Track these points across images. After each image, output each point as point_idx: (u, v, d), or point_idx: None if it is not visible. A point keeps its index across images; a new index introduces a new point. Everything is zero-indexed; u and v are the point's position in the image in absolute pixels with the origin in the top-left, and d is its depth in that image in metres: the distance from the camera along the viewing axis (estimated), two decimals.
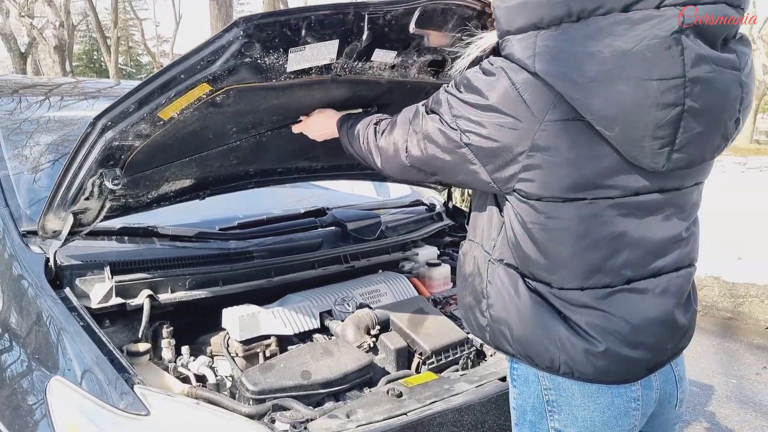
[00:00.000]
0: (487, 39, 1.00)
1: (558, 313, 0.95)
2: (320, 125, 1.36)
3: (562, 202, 0.90)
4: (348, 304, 1.61)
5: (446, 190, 2.20)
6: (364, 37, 1.12)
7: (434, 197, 2.36)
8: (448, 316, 1.65)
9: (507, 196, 0.97)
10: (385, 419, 1.15)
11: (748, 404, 2.90)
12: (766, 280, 4.11)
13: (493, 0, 0.96)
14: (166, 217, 1.74)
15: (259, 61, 1.06)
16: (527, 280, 0.97)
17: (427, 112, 1.03)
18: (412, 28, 1.16)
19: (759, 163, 12.72)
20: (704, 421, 2.75)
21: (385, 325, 1.54)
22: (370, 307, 1.58)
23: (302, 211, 1.88)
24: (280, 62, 1.09)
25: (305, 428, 1.11)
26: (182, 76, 1.05)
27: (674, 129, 0.85)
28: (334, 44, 1.11)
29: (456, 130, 0.96)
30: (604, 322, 0.93)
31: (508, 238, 0.98)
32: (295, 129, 1.41)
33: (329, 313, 1.58)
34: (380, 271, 1.86)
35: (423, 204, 2.23)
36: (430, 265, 1.91)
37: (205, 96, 1.10)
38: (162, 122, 1.13)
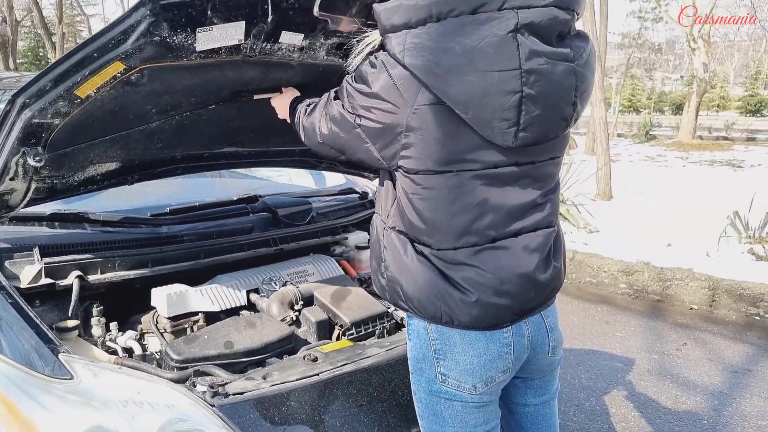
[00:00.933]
0: (374, 36, 1.13)
1: (439, 270, 1.09)
2: (282, 102, 1.44)
3: (434, 175, 1.04)
4: (275, 283, 1.71)
5: None
6: (270, 19, 1.20)
7: (367, 185, 2.48)
8: (371, 293, 1.77)
9: (395, 172, 1.11)
10: (298, 379, 1.26)
11: (666, 376, 3.13)
12: (690, 264, 4.39)
13: (374, 4, 1.09)
14: (103, 205, 1.80)
15: (167, 40, 1.12)
16: (414, 243, 1.11)
17: (334, 98, 1.17)
18: (315, 11, 1.24)
19: (699, 158, 13.35)
20: (623, 391, 2.96)
21: (309, 301, 1.65)
22: (296, 286, 1.68)
23: (235, 198, 1.96)
24: (189, 42, 1.15)
25: (223, 389, 1.21)
26: (95, 55, 1.11)
27: (517, 112, 1.00)
28: (241, 25, 1.19)
29: (352, 113, 1.10)
30: (476, 276, 1.07)
31: (398, 208, 1.12)
32: (272, 102, 1.49)
33: (256, 291, 1.68)
34: (311, 254, 1.97)
35: (355, 192, 2.34)
36: (360, 248, 2.03)
37: (119, 75, 1.16)
38: (80, 100, 1.18)
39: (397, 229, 1.13)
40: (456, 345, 1.11)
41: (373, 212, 1.25)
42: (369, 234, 1.26)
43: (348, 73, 1.14)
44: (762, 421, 2.67)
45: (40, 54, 18.38)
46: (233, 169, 2.81)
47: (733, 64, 40.94)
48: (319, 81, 1.44)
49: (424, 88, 1.00)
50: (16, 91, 1.17)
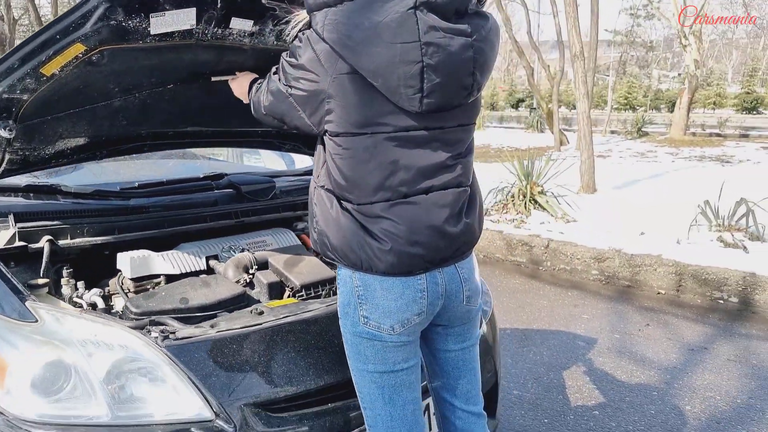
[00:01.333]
0: (303, 15, 1.27)
1: (360, 223, 1.23)
2: (238, 84, 1.57)
3: (352, 137, 1.19)
4: (234, 250, 1.86)
5: None
6: (219, 5, 1.35)
7: None
8: (324, 262, 1.91)
9: (324, 136, 1.26)
10: (242, 327, 1.41)
11: (625, 354, 3.28)
12: (659, 251, 4.54)
13: None
14: (79, 180, 1.96)
15: (123, 24, 1.26)
16: (339, 200, 1.26)
17: (273, 74, 1.34)
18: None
19: (689, 153, 13.51)
20: (582, 367, 3.11)
21: (264, 267, 1.80)
22: (252, 252, 1.83)
23: (201, 176, 2.11)
24: (144, 26, 1.29)
25: (173, 335, 1.36)
26: (57, 36, 1.25)
27: (420, 80, 1.14)
28: (192, 11, 1.33)
29: (285, 85, 1.26)
30: (390, 227, 1.22)
31: (326, 169, 1.27)
32: (230, 83, 1.61)
33: (216, 258, 1.83)
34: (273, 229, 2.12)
35: None
36: None
37: (81, 55, 1.30)
38: (45, 78, 1.33)
39: (325, 187, 1.28)
40: (376, 290, 1.26)
41: None
42: None
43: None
44: (709, 392, 2.82)
45: None
46: (212, 157, 2.97)
47: (732, 62, 41.05)
48: (271, 65, 1.58)
49: (341, 59, 1.15)
50: None
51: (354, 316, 1.29)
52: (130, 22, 1.28)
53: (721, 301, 4.09)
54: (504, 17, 13.88)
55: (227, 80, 1.64)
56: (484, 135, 18.95)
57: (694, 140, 16.28)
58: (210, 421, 1.26)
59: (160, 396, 1.28)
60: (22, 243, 1.58)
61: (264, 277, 1.72)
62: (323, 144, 1.30)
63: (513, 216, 5.68)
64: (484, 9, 1.26)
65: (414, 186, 1.23)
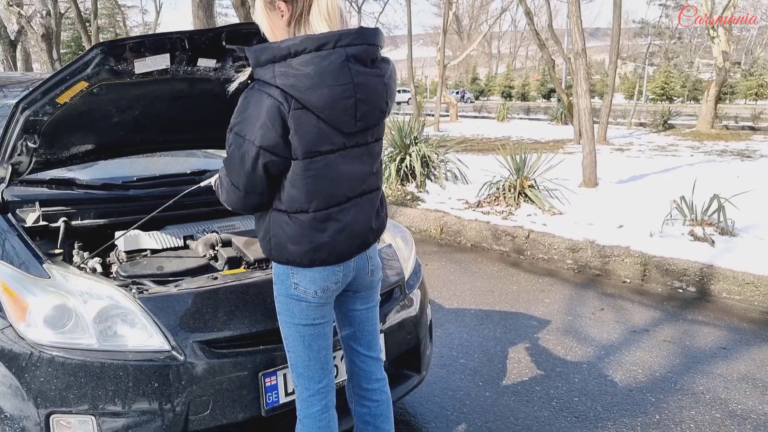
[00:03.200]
0: (247, 71, 1.71)
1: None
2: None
3: (310, 159, 1.58)
4: (206, 231, 2.37)
5: None
6: (187, 51, 1.84)
7: None
8: None
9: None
10: (197, 287, 1.92)
11: (570, 333, 3.68)
12: (628, 242, 4.89)
13: (246, 47, 1.67)
14: (92, 175, 2.50)
15: (114, 67, 1.76)
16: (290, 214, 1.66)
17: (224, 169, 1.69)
18: (224, 44, 1.88)
19: (711, 148, 13.47)
20: (527, 342, 3.53)
21: (227, 244, 2.30)
22: (219, 233, 2.34)
23: (188, 171, 2.63)
24: (130, 68, 1.79)
25: (147, 291, 1.87)
26: (68, 77, 1.77)
27: (354, 109, 1.57)
28: (166, 56, 1.83)
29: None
30: (339, 227, 1.64)
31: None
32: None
33: (191, 237, 2.35)
34: None
35: None
36: None
37: (85, 89, 1.82)
38: (60, 105, 1.85)
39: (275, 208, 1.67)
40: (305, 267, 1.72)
41: None
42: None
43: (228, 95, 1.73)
44: (634, 366, 3.22)
45: (83, 45, 19.55)
46: (207, 153, 3.49)
47: None
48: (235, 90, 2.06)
49: (293, 99, 1.52)
50: (19, 98, 1.85)
51: (287, 283, 1.73)
52: (119, 66, 1.78)
53: (681, 291, 4.43)
54: (525, 9, 14.04)
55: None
56: (506, 127, 19.11)
57: (721, 134, 16.12)
58: (168, 351, 1.77)
59: (134, 333, 1.79)
60: (44, 223, 2.12)
61: (225, 253, 2.22)
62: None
63: (503, 208, 6.07)
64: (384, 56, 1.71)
65: (355, 191, 1.66)
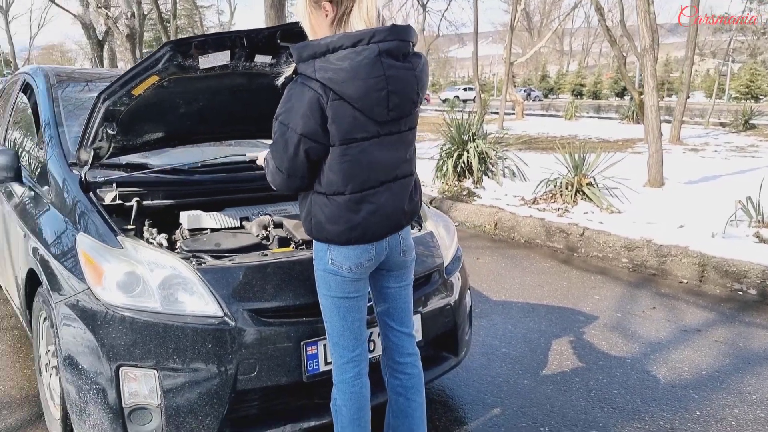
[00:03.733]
0: (292, 66, 1.88)
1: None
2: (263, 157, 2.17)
3: (347, 146, 1.74)
4: (261, 214, 2.58)
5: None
6: (245, 48, 2.04)
7: None
8: None
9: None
10: (249, 262, 2.12)
11: (618, 329, 3.66)
12: (687, 242, 4.76)
13: (290, 45, 1.85)
14: (160, 160, 2.77)
15: (182, 63, 1.98)
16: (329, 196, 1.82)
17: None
18: (279, 41, 2.07)
19: None
20: (571, 336, 3.55)
21: (279, 226, 2.50)
22: (272, 216, 2.54)
23: (247, 159, 2.85)
24: (195, 63, 2.01)
25: (205, 263, 2.09)
26: (142, 72, 2.01)
27: (387, 99, 1.72)
28: (227, 53, 2.04)
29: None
30: (373, 209, 1.79)
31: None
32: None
33: (247, 218, 2.57)
34: None
35: None
36: None
37: (156, 82, 2.06)
38: (135, 96, 2.10)
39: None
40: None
41: None
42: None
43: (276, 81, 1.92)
44: (680, 364, 3.18)
45: None
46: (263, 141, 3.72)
47: None
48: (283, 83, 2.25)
49: (331, 91, 1.69)
50: (101, 90, 2.11)
51: (324, 258, 1.90)
52: (186, 62, 2.01)
53: (740, 293, 4.29)
54: (596, 5, 13.69)
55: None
56: (574, 125, 18.65)
57: None
58: (222, 317, 1.98)
59: (192, 300, 2.01)
60: (120, 202, 2.39)
61: (276, 233, 2.42)
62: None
63: (559, 205, 6.03)
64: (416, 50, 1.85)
65: (389, 176, 1.80)
